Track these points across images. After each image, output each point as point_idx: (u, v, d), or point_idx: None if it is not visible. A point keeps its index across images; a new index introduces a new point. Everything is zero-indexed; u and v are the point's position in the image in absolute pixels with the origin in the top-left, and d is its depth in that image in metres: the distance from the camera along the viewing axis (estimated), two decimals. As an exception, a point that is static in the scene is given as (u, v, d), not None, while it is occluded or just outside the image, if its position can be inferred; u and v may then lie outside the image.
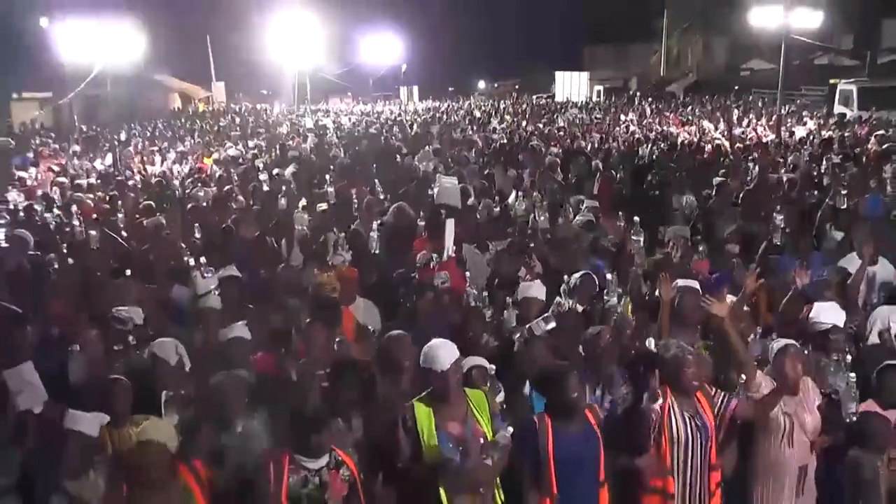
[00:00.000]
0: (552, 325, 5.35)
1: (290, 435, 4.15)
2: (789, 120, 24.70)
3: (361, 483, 4.25)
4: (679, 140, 19.01)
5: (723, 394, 4.85)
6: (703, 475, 4.71)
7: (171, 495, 4.01)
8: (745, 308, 6.05)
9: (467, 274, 6.89)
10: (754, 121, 25.42)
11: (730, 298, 5.98)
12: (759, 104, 30.82)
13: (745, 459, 5.12)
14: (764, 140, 19.01)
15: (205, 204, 10.97)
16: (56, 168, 17.55)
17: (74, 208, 10.15)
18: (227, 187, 12.38)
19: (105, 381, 4.95)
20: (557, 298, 5.96)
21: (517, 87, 58.20)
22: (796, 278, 6.22)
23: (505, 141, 20.14)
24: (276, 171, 14.01)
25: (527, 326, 5.44)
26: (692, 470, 4.69)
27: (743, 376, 4.95)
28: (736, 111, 28.65)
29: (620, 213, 8.95)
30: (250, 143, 22.09)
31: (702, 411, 4.73)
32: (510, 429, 4.39)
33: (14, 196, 12.33)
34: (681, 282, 5.85)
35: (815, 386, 5.11)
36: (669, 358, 4.73)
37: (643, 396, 4.71)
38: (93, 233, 8.77)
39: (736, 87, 39.62)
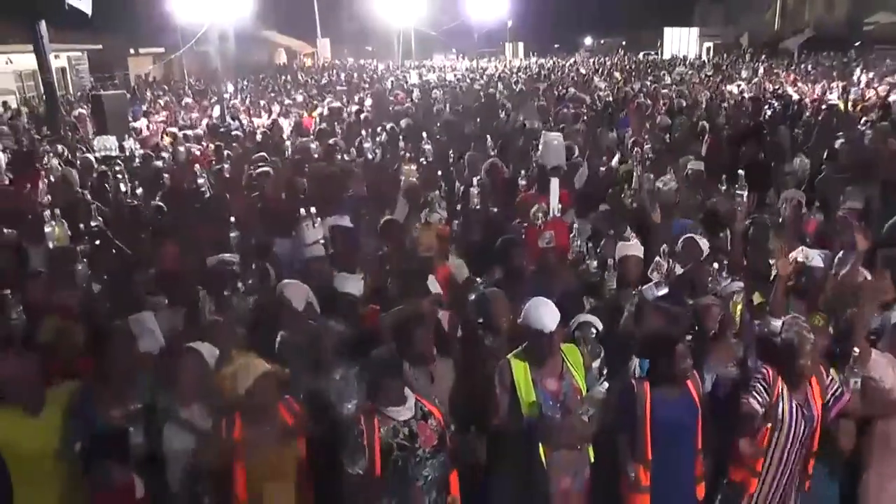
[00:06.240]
0: (664, 290, 5.18)
1: (374, 386, 4.16)
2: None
3: (450, 436, 4.28)
4: (794, 100, 18.22)
5: (837, 384, 4.57)
6: (801, 460, 4.55)
7: (272, 431, 4.11)
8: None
9: (575, 226, 6.72)
10: (876, 81, 24.05)
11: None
12: (885, 62, 29.15)
13: (861, 437, 4.78)
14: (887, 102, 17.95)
15: (315, 155, 11.13)
16: (167, 119, 18.19)
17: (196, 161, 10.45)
18: (331, 140, 12.51)
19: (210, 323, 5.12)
20: (657, 259, 5.81)
21: (623, 43, 56.88)
22: None
23: (611, 99, 19.70)
24: (380, 125, 14.09)
25: (638, 289, 5.30)
26: (789, 454, 4.51)
27: (856, 350, 4.59)
28: (857, 70, 27.20)
29: (724, 176, 8.60)
30: (355, 98, 22.29)
31: (811, 398, 4.49)
32: (605, 384, 4.35)
33: (130, 144, 12.82)
34: (803, 257, 5.61)
35: None
36: (785, 342, 4.49)
37: (754, 377, 4.53)
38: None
39: (858, 44, 37.66)
